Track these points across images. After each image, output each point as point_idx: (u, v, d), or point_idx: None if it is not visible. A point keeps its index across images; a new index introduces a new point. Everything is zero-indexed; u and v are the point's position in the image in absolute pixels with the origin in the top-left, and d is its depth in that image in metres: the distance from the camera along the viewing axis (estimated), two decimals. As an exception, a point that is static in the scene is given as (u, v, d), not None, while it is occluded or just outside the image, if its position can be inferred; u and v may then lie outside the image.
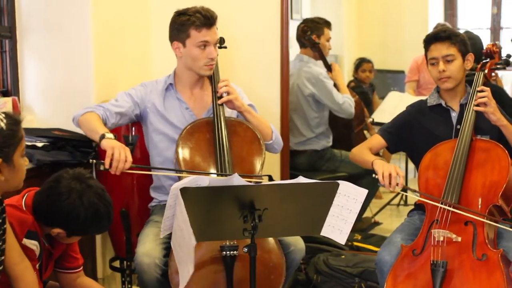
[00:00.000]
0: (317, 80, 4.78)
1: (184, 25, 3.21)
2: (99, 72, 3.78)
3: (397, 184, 2.95)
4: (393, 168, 2.97)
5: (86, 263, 3.61)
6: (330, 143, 4.94)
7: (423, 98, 3.43)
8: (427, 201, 3.01)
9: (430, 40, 3.19)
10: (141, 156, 3.50)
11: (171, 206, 2.40)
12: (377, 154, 4.96)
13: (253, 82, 4.14)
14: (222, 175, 3.00)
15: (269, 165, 3.47)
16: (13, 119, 2.28)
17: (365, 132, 5.56)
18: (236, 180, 2.38)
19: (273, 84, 4.23)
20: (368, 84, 6.88)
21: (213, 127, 3.19)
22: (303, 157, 4.88)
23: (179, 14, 3.24)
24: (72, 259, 2.71)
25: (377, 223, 5.38)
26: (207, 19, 3.18)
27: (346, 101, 4.80)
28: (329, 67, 4.97)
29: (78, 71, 3.77)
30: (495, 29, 8.00)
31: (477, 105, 3.08)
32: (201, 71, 3.26)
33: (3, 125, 2.22)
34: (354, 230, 4.96)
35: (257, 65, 4.22)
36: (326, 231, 2.54)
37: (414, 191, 3.04)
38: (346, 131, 5.17)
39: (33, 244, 2.45)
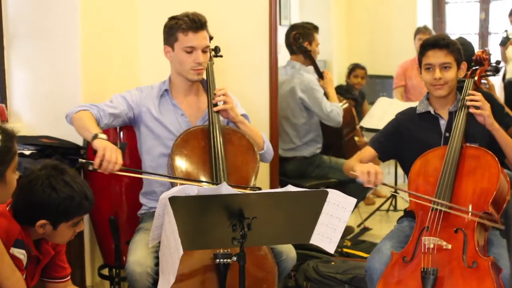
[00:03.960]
0: (307, 87, 4.77)
1: (172, 28, 3.22)
2: (87, 79, 3.75)
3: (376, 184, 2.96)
4: (371, 166, 2.97)
5: (75, 271, 3.58)
6: (320, 150, 4.93)
7: (412, 103, 3.42)
8: (418, 201, 3.00)
9: (427, 46, 3.17)
10: (131, 163, 3.47)
11: (159, 215, 2.39)
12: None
13: (242, 88, 4.10)
14: (211, 184, 2.98)
15: (258, 172, 3.46)
16: (8, 135, 2.26)
17: (356, 138, 5.53)
18: (225, 189, 2.37)
19: (262, 90, 4.23)
20: (358, 91, 6.87)
21: (208, 135, 3.18)
22: (292, 163, 4.87)
23: (170, 19, 3.26)
24: (59, 269, 2.68)
25: (366, 229, 5.38)
26: (193, 22, 3.17)
27: (334, 110, 4.77)
28: (320, 74, 4.95)
29: (65, 78, 3.74)
30: (483, 35, 8.01)
31: (473, 107, 3.07)
32: (189, 76, 3.25)
33: None
34: (343, 236, 5.01)
35: (246, 71, 4.21)
36: (315, 240, 2.54)
37: (392, 187, 3.03)
38: (337, 138, 5.15)
39: (20, 253, 2.42)
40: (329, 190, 2.44)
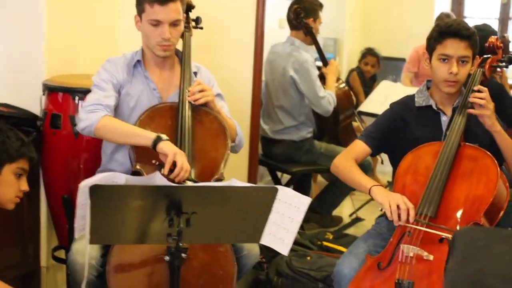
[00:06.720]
0: (301, 67, 4.44)
1: None
2: (53, 46, 3.43)
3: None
4: (400, 199, 2.60)
5: (29, 250, 3.35)
6: (310, 134, 4.63)
7: (410, 94, 3.07)
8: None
9: (447, 33, 2.78)
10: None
11: (82, 204, 2.10)
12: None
13: (226, 62, 3.89)
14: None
15: (236, 155, 3.18)
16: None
17: (355, 124, 5.17)
18: (159, 179, 2.08)
19: (246, 64, 4.01)
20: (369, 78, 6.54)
21: (177, 113, 2.87)
22: (279, 147, 4.60)
23: None
24: None
25: (358, 219, 5.08)
26: None
27: (327, 97, 4.44)
28: (325, 62, 4.68)
29: (29, 43, 3.43)
30: (504, 20, 7.69)
31: (472, 107, 2.72)
32: (154, 51, 2.94)
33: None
34: (329, 227, 4.73)
35: (231, 44, 3.96)
36: (267, 240, 2.26)
37: (424, 223, 2.59)
38: (332, 124, 4.81)
39: None
40: (279, 187, 2.15)
